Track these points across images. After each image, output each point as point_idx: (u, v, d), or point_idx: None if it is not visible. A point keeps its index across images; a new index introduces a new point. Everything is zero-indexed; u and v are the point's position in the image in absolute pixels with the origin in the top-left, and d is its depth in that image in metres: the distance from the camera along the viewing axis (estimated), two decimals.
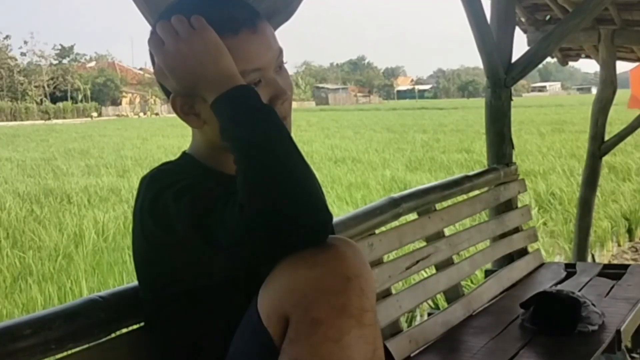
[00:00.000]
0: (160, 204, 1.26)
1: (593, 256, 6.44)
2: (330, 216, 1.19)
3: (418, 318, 4.84)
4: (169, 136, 29.51)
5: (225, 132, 1.22)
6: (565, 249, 7.29)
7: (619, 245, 7.84)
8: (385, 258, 2.62)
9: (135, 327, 1.54)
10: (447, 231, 3.09)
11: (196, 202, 1.21)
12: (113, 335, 1.51)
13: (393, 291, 2.61)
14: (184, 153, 1.45)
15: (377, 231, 2.58)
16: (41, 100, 76.08)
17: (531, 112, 40.24)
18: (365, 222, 2.47)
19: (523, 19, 5.37)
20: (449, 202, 3.21)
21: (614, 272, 3.56)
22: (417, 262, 2.76)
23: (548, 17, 5.40)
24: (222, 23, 1.29)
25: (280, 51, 1.39)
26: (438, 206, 3.05)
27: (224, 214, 1.16)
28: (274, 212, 1.12)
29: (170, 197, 1.24)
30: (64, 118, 68.38)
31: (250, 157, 1.17)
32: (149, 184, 1.32)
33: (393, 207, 2.65)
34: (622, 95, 6.47)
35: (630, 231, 8.26)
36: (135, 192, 1.37)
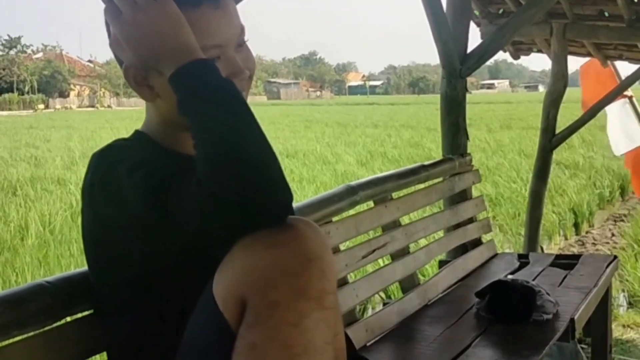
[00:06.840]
0: (112, 179, 1.20)
1: (542, 248, 6.51)
2: (291, 196, 1.15)
3: (370, 310, 4.83)
4: None
5: (183, 106, 1.16)
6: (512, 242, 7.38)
7: (566, 238, 7.97)
8: (342, 246, 2.59)
9: (84, 313, 1.48)
10: (403, 220, 3.07)
11: (151, 176, 1.16)
12: (61, 322, 1.44)
13: (350, 280, 2.58)
14: (136, 131, 1.39)
15: (334, 219, 2.54)
16: None
17: (480, 108, 40.80)
18: (322, 210, 2.42)
19: (477, 12, 5.40)
20: (405, 191, 3.20)
21: (566, 262, 3.59)
22: (374, 250, 2.73)
23: (501, 11, 5.44)
24: None
25: (242, 29, 1.35)
26: (394, 195, 3.03)
27: (180, 189, 1.11)
28: (233, 188, 1.07)
29: (123, 171, 1.19)
30: (10, 110, 67.02)
31: (210, 131, 1.11)
32: (99, 159, 1.26)
33: (350, 194, 2.62)
34: (570, 93, 6.55)
35: (576, 225, 8.41)
36: None
